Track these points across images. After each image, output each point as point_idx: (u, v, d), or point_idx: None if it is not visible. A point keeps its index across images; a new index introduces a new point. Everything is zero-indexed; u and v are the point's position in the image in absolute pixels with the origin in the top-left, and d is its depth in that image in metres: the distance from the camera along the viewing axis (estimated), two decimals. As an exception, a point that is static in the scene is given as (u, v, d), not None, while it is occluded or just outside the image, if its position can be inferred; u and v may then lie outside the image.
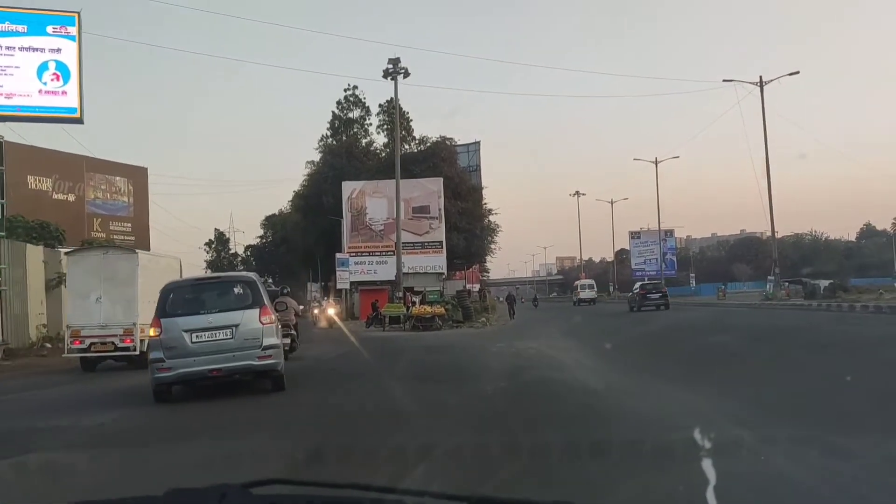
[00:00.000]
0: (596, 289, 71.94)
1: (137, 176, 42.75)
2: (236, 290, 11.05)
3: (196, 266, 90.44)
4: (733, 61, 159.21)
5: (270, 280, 64.38)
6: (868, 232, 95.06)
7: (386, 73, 32.85)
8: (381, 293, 39.93)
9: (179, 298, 10.84)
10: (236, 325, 10.38)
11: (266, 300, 10.93)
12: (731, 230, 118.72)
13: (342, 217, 49.01)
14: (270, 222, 71.80)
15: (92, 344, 16.68)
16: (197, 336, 10.25)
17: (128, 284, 17.06)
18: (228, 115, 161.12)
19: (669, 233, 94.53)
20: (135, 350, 16.44)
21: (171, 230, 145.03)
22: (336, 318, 26.01)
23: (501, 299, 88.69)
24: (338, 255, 42.80)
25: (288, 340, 15.36)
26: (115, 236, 41.35)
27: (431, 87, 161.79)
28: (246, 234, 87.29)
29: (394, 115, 57.24)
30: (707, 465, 4.66)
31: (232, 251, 75.78)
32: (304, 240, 55.18)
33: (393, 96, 39.89)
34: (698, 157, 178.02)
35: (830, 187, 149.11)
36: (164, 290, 11.02)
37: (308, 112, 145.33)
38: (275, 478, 1.51)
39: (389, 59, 32.56)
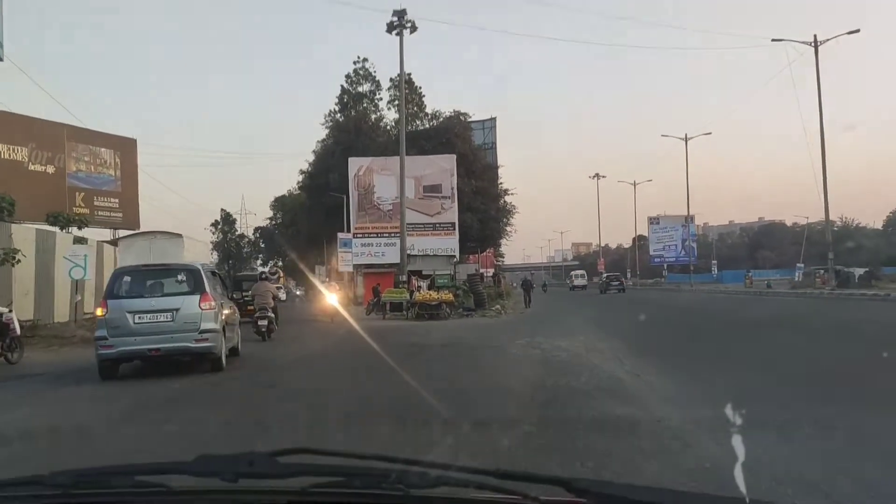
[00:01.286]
0: (586, 277, 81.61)
1: (125, 147, 38.57)
2: (180, 277, 11.58)
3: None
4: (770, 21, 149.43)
5: (263, 268, 60.32)
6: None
7: (390, 27, 28.42)
8: (386, 277, 35.67)
9: (127, 282, 11.43)
10: (177, 310, 10.98)
11: (208, 288, 11.37)
12: (749, 217, 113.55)
13: (348, 195, 44.89)
14: (280, 203, 67.72)
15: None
16: (139, 317, 10.84)
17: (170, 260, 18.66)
18: (234, 87, 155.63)
19: (690, 218, 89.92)
20: None
21: (168, 206, 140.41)
22: (338, 307, 21.39)
23: (516, 285, 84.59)
24: (339, 235, 38.68)
25: (265, 322, 17.41)
26: (99, 212, 37.29)
27: (444, 60, 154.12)
28: (256, 216, 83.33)
29: (401, 81, 53.46)
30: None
31: (239, 232, 71.91)
32: (309, 220, 51.10)
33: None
34: (729, 135, 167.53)
35: (859, 169, 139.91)
36: (113, 274, 12.09)
37: (319, 84, 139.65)
38: (301, 447, 1.49)
39: (394, 12, 28.11)
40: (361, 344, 15.95)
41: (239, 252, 71.95)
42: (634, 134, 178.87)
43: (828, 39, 31.01)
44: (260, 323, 17.47)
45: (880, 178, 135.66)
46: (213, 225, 70.90)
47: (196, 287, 11.25)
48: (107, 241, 39.44)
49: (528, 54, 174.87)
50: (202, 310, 11.08)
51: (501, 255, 73.23)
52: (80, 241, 25.70)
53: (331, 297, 20.83)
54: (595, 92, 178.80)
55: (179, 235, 21.06)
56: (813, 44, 30.61)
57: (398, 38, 28.73)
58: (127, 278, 11.52)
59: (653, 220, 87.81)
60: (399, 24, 28.24)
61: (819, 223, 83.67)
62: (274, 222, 70.15)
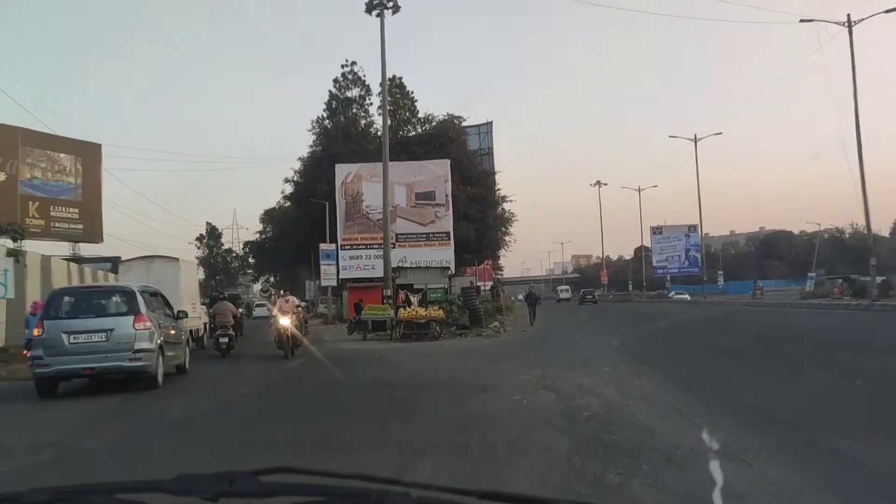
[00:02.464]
0: (570, 291, 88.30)
1: (88, 153, 34.62)
2: (115, 298, 11.67)
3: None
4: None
5: (255, 284, 56.21)
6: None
7: (370, 7, 24.54)
8: (373, 291, 31.65)
9: (64, 303, 11.51)
10: (111, 330, 11.06)
11: (143, 309, 11.37)
12: (750, 227, 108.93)
13: (335, 204, 40.94)
14: (269, 216, 63.69)
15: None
16: (74, 338, 10.94)
17: (172, 285, 18.78)
18: (217, 89, 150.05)
19: (693, 228, 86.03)
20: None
21: (145, 216, 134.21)
22: (291, 329, 16.49)
23: (519, 298, 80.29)
24: (322, 247, 34.67)
25: (226, 339, 17.79)
26: (57, 224, 33.30)
27: (437, 61, 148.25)
28: (249, 230, 79.20)
29: (388, 87, 49.53)
30: None
31: (226, 247, 67.70)
32: (296, 233, 47.14)
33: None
34: (735, 137, 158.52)
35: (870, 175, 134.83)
36: (50, 296, 12.27)
37: (306, 89, 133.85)
38: (283, 466, 1.45)
39: (373, -12, 24.20)
40: (304, 383, 11.84)
41: (227, 267, 67.85)
42: (637, 138, 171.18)
43: (863, 19, 26.81)
44: (221, 340, 17.96)
45: (882, 183, 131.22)
46: (198, 239, 66.80)
47: (131, 308, 11.33)
48: (65, 258, 35.25)
49: (525, 57, 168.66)
50: (136, 330, 11.14)
51: (500, 268, 69.15)
52: (14, 253, 21.74)
53: (283, 320, 15.95)
54: (594, 96, 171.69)
55: (177, 259, 22.57)
56: (847, 24, 26.59)
57: (378, 19, 24.81)
58: (64, 299, 11.67)
59: (655, 230, 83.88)
60: (380, 2, 24.38)
61: (827, 231, 79.63)
62: (264, 236, 66.18)
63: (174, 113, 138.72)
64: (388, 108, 49.59)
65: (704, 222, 68.52)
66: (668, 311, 38.50)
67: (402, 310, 21.66)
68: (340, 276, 39.16)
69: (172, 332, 12.67)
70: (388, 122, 49.37)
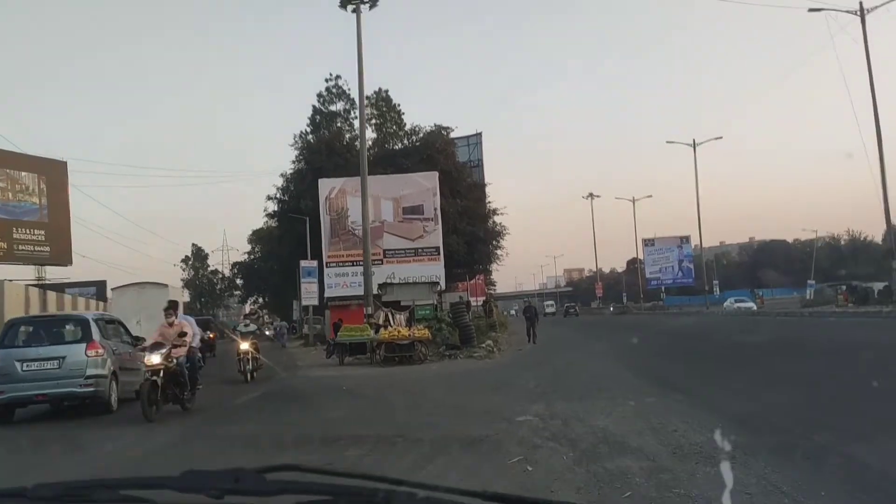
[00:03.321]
0: (555, 306, 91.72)
1: (53, 171, 31.96)
2: (69, 326, 11.92)
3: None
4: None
5: (244, 305, 53.48)
6: None
7: (344, 2, 22.11)
8: (356, 310, 28.97)
9: (17, 332, 11.79)
10: (63, 357, 11.13)
11: (95, 336, 11.45)
12: (739, 238, 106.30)
13: (319, 220, 38.36)
14: (257, 236, 61.07)
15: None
16: (27, 365, 11.02)
17: (160, 310, 18.22)
18: (199, 102, 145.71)
19: (685, 239, 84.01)
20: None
21: (126, 238, 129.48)
22: (252, 352, 14.47)
23: (513, 312, 77.61)
24: (302, 264, 32.06)
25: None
26: (21, 246, 30.53)
27: (424, 73, 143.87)
28: (238, 251, 76.46)
29: (374, 100, 47.30)
30: None
31: (211, 269, 64.83)
32: (280, 251, 44.54)
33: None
34: (732, 144, 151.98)
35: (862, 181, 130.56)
36: (6, 325, 12.45)
37: (293, 104, 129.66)
38: (289, 463, 1.43)
39: (350, -19, 21.76)
40: (228, 435, 8.84)
41: (212, 289, 65.06)
42: (631, 146, 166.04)
43: (876, 7, 24.36)
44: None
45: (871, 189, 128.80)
46: (183, 261, 63.99)
47: (84, 336, 11.47)
48: (33, 282, 32.51)
49: (514, 65, 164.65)
50: (88, 357, 11.23)
51: (493, 283, 66.57)
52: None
53: (243, 344, 14.05)
54: (586, 104, 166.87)
55: (166, 285, 25.16)
56: (859, 13, 24.27)
57: (355, 15, 22.36)
58: (19, 328, 11.99)
59: (647, 242, 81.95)
60: (356, -5, 21.90)
61: (821, 239, 77.40)
62: (252, 256, 63.52)
63: (150, 127, 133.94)
64: (374, 121, 47.48)
65: (696, 233, 65.98)
66: (670, 323, 35.88)
67: (382, 330, 18.99)
68: (326, 295, 36.61)
69: (129, 358, 12.48)
70: (369, 131, 47.07)
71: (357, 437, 6.78)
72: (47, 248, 31.38)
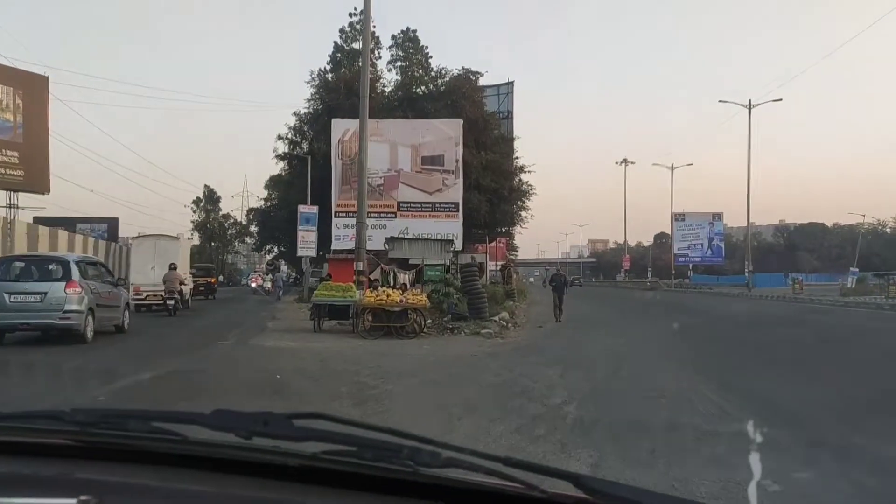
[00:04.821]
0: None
1: (32, 86, 27.74)
2: (52, 266, 13.02)
3: (180, 226, 75.57)
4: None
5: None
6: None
7: None
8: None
9: (9, 268, 12.98)
10: (45, 293, 12.31)
11: (75, 276, 12.60)
12: (768, 220, 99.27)
13: (332, 165, 33.99)
14: (273, 182, 56.85)
15: (147, 295, 22.75)
16: (14, 297, 12.24)
17: (174, 258, 23.76)
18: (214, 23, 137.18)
19: (717, 216, 78.53)
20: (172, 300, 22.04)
21: (129, 171, 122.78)
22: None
23: (532, 280, 72.82)
24: (301, 209, 27.81)
25: (172, 302, 21.36)
26: (-12, 168, 26.56)
27: (456, 17, 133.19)
28: (257, 197, 72.46)
29: (401, 41, 42.43)
30: None
31: (223, 212, 60.79)
32: (290, 197, 40.29)
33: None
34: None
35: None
36: None
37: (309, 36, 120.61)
38: (317, 412, 1.43)
39: None
40: None
41: (223, 234, 61.12)
42: (668, 110, 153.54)
43: None
44: (168, 302, 21.31)
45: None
46: (194, 202, 59.99)
47: (64, 275, 12.56)
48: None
49: (548, 13, 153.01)
50: (67, 294, 12.30)
51: (515, 249, 61.92)
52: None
53: None
54: (625, 60, 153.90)
55: (178, 238, 28.72)
56: None
57: None
58: (11, 264, 13.28)
59: (678, 217, 76.50)
60: None
61: (872, 223, 70.51)
62: (269, 204, 59.46)
63: (157, 43, 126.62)
64: (398, 63, 42.63)
65: (727, 210, 60.30)
66: (716, 305, 30.88)
67: (368, 292, 14.56)
68: (333, 247, 32.47)
69: (108, 297, 13.89)
70: (393, 73, 42.33)
71: None
72: (21, 172, 27.32)
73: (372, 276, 19.25)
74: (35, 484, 1.28)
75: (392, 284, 19.31)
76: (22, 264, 13.26)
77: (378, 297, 13.93)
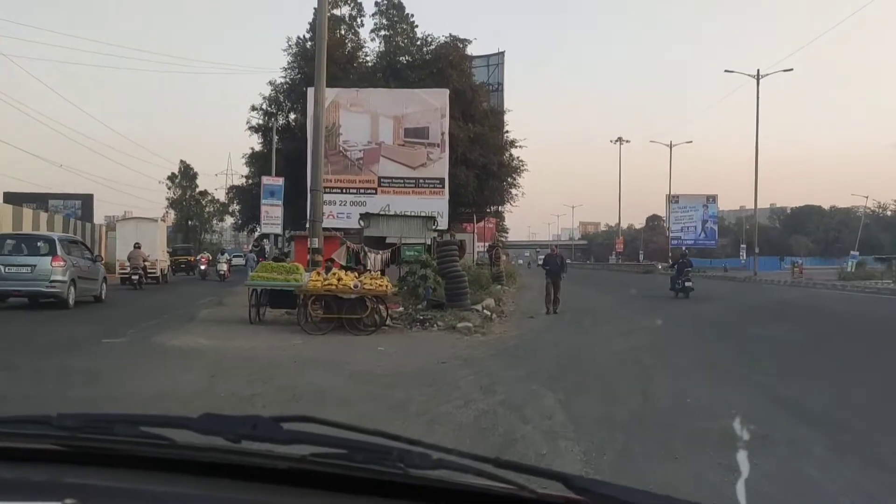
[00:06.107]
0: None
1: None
2: (40, 243, 15.23)
3: (156, 203, 71.76)
4: None
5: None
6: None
7: None
8: (330, 243, 21.44)
9: (3, 244, 15.11)
10: (35, 265, 14.46)
11: (60, 251, 14.79)
12: (762, 203, 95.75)
13: (307, 137, 30.69)
14: (253, 158, 53.42)
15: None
16: (8, 268, 14.40)
17: (153, 239, 26.92)
18: None
19: (712, 198, 75.75)
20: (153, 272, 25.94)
21: (107, 147, 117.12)
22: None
23: (521, 262, 69.58)
24: (264, 181, 24.68)
25: (136, 277, 22.80)
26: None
27: None
28: (240, 175, 68.91)
29: (385, 7, 38.91)
30: None
31: (200, 189, 57.08)
32: (265, 172, 36.94)
33: None
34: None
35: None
36: None
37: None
38: (306, 415, 1.42)
39: None
40: None
41: (200, 211, 57.49)
42: (663, 94, 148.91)
43: None
44: (133, 278, 22.72)
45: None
46: (169, 178, 56.23)
47: (50, 251, 14.71)
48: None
49: None
50: (53, 266, 14.42)
51: (506, 230, 58.78)
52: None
53: None
54: (624, 44, 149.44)
55: (156, 220, 31.48)
56: None
57: None
58: (5, 241, 15.33)
59: (672, 199, 73.65)
60: None
61: (874, 207, 67.36)
62: (250, 181, 56.03)
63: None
64: (382, 32, 39.20)
65: (721, 192, 57.38)
66: (730, 292, 27.63)
67: (315, 275, 11.38)
68: (307, 226, 29.30)
69: (87, 270, 16.27)
70: (376, 43, 38.78)
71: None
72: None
73: (342, 258, 16.10)
74: (22, 489, 1.26)
75: (363, 266, 16.20)
76: (13, 241, 15.44)
77: (327, 282, 10.78)
